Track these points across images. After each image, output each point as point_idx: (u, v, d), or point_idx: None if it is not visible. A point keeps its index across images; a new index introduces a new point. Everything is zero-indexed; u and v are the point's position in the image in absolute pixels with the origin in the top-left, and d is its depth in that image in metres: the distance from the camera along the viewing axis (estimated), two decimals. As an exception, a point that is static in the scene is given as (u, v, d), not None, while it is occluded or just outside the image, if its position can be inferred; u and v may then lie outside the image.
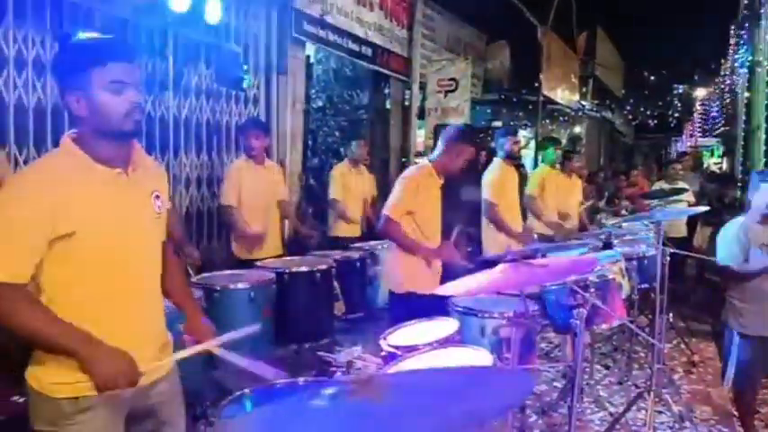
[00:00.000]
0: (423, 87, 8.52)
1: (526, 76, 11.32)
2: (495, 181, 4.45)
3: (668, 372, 4.16)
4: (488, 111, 12.68)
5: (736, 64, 10.70)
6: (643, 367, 4.18)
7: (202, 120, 5.18)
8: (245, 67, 5.30)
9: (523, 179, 5.56)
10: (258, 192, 4.14)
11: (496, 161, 4.64)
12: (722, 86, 13.48)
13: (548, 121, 13.41)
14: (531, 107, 11.70)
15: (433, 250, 3.12)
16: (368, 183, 5.69)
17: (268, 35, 5.76)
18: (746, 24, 8.96)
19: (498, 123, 13.50)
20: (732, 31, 10.88)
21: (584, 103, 14.14)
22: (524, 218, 5.00)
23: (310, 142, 7.23)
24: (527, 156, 10.83)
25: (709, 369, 4.44)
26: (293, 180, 5.94)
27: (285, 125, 5.83)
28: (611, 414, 3.51)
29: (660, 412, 3.36)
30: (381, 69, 7.62)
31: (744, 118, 9.27)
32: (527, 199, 5.20)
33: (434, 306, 2.60)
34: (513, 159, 4.72)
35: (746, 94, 9.30)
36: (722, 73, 13.14)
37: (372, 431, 0.76)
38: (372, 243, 4.91)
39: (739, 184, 8.32)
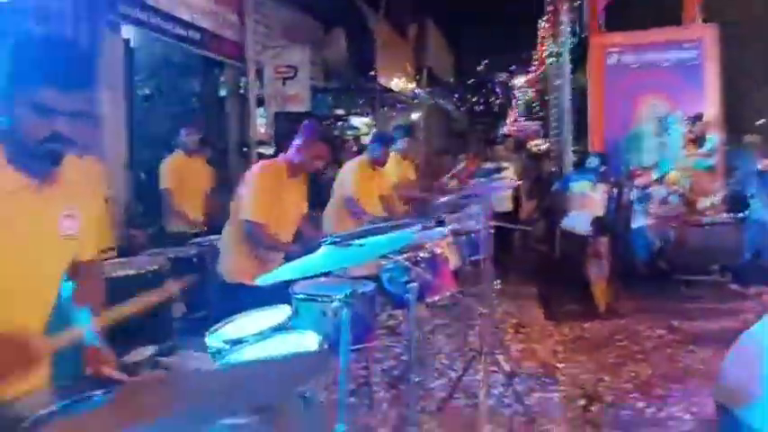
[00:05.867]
0: (260, 74, 8.29)
1: (363, 65, 11.56)
2: (357, 177, 4.41)
3: (499, 334, 4.55)
4: (330, 99, 12.75)
5: (545, 54, 11.93)
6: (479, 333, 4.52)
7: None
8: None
9: None
10: None
11: (362, 158, 4.64)
12: (535, 75, 14.99)
13: (386, 108, 13.84)
14: (370, 95, 11.99)
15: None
16: (204, 174, 5.40)
17: (76, 16, 5.15)
18: (551, 18, 10.03)
19: (341, 111, 13.66)
20: (540, 24, 12.10)
21: (418, 90, 14.83)
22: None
23: (137, 133, 6.67)
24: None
25: (535, 328, 4.93)
26: (117, 175, 5.44)
27: (102, 115, 5.29)
28: (451, 380, 3.73)
29: (494, 372, 3.65)
30: (212, 55, 7.26)
31: (554, 103, 10.38)
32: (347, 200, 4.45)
33: (276, 295, 2.55)
34: (378, 165, 4.60)
35: (556, 82, 10.40)
36: (534, 62, 14.61)
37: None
38: (212, 237, 4.67)
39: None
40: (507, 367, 3.83)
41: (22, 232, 1.31)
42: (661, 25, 7.68)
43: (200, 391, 0.84)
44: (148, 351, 1.99)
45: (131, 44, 6.41)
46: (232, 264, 3.09)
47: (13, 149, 1.29)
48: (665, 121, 7.42)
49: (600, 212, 5.96)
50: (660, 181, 6.80)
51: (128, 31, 6.01)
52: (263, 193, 2.96)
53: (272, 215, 3.00)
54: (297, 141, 3.09)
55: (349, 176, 4.44)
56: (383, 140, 4.69)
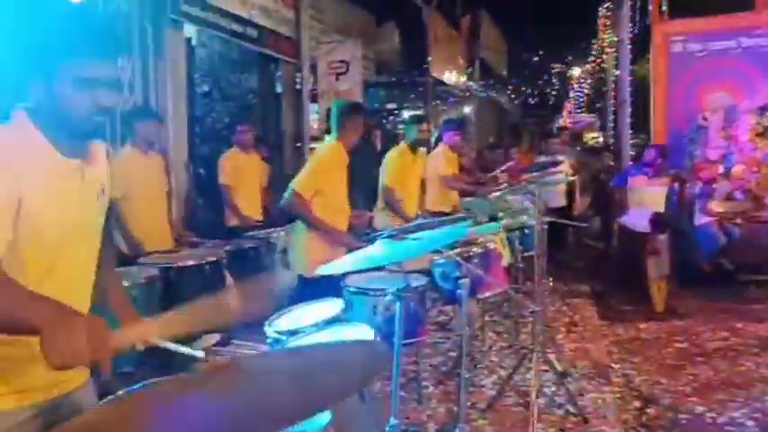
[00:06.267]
0: (314, 70, 8.41)
1: (415, 58, 11.52)
2: (397, 166, 4.50)
3: (551, 332, 4.49)
4: (382, 93, 12.78)
5: (604, 44, 11.55)
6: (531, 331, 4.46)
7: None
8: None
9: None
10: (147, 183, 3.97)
11: (401, 146, 4.73)
12: (593, 65, 14.54)
13: (438, 102, 13.75)
14: (421, 89, 11.94)
15: (339, 235, 3.14)
16: (260, 170, 5.56)
17: (141, 16, 5.40)
18: (611, 6, 9.70)
19: (393, 105, 13.68)
20: (600, 12, 11.71)
21: (471, 83, 14.65)
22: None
23: (197, 129, 6.92)
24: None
25: (588, 327, 4.83)
26: (179, 170, 5.66)
27: (166, 112, 5.52)
28: (501, 377, 3.71)
29: (545, 371, 3.60)
30: (269, 51, 7.42)
31: (612, 94, 10.06)
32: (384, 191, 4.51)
33: (337, 288, 2.61)
34: (419, 146, 4.76)
35: (615, 72, 10.07)
36: (593, 52, 14.17)
37: (228, 416, 0.74)
38: (267, 231, 4.81)
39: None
40: (559, 366, 3.78)
41: (74, 213, 1.36)
42: (728, 12, 7.29)
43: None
44: (213, 339, 2.10)
45: (192, 42, 6.64)
46: (307, 257, 3.18)
47: (56, 132, 1.31)
48: (731, 112, 7.07)
49: (660, 208, 5.76)
50: (725, 175, 6.50)
51: (189, 30, 6.23)
52: (317, 169, 3.11)
53: (330, 198, 3.10)
54: (334, 123, 3.28)
55: (387, 166, 4.53)
56: (415, 121, 4.84)
